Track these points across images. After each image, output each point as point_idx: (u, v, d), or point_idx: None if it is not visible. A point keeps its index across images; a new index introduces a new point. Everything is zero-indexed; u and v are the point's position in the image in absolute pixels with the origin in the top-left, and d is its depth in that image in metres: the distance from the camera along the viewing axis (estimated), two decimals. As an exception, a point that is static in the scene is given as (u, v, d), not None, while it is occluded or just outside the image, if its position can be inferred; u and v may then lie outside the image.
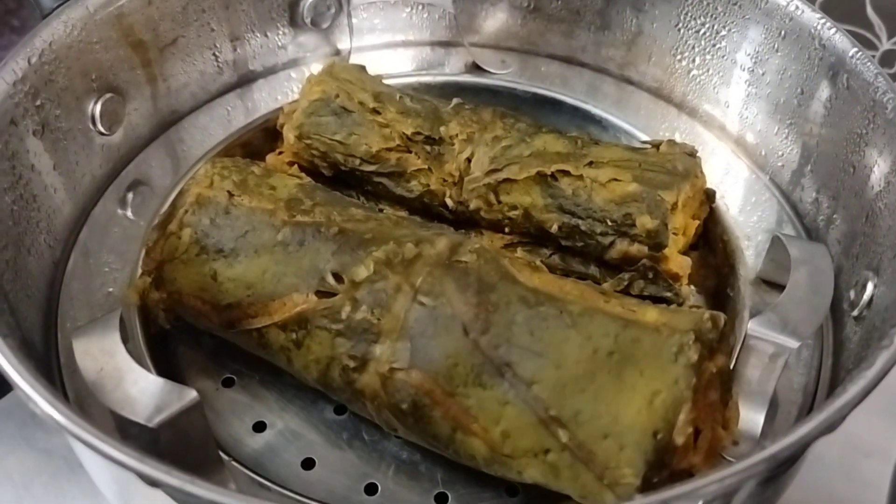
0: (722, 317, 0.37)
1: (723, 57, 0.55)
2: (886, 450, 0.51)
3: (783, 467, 0.30)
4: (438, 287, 0.39)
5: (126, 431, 0.34)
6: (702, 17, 0.55)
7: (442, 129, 0.50)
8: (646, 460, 0.34)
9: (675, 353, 0.35)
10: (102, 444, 0.28)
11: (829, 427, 0.28)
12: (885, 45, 0.75)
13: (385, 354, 0.38)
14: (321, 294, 0.40)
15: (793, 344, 0.38)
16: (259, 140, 0.55)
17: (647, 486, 0.34)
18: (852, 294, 0.43)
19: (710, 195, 0.50)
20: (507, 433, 0.36)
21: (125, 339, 0.37)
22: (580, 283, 0.40)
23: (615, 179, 0.46)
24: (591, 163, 0.47)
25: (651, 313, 0.37)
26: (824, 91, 0.49)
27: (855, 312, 0.42)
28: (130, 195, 0.50)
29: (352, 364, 0.39)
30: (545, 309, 0.38)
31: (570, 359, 0.36)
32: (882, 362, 0.30)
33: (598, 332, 0.36)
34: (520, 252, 0.47)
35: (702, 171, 0.49)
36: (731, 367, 0.40)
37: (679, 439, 0.34)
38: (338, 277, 0.40)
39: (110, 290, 0.46)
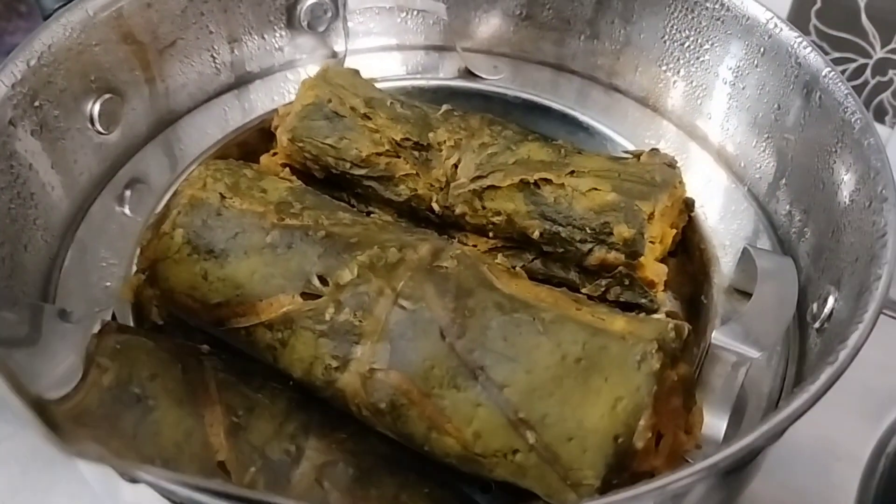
0: (686, 327, 0.38)
1: (706, 70, 0.56)
2: (856, 454, 0.53)
3: (734, 472, 0.31)
4: (419, 291, 0.40)
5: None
6: (687, 31, 0.56)
7: (430, 135, 0.51)
8: (606, 463, 0.35)
9: (639, 361, 0.36)
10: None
11: (771, 438, 0.30)
12: (879, 53, 0.75)
13: (366, 355, 0.40)
14: (307, 296, 0.42)
15: (754, 354, 0.39)
16: (255, 140, 0.56)
17: (607, 487, 0.35)
18: (815, 307, 0.44)
19: (689, 204, 0.52)
20: (478, 433, 0.38)
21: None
22: (555, 290, 0.42)
23: (595, 189, 0.47)
24: (572, 172, 0.48)
25: (619, 322, 0.39)
26: (799, 107, 0.50)
27: (817, 325, 0.43)
28: (128, 193, 0.52)
29: (334, 364, 0.41)
30: (519, 315, 0.39)
31: (540, 364, 0.37)
32: (825, 378, 0.32)
33: (567, 339, 0.38)
34: (502, 257, 0.49)
35: (681, 181, 0.50)
36: (697, 373, 0.41)
37: (639, 443, 0.35)
38: (323, 280, 0.42)
39: (108, 283, 0.47)
